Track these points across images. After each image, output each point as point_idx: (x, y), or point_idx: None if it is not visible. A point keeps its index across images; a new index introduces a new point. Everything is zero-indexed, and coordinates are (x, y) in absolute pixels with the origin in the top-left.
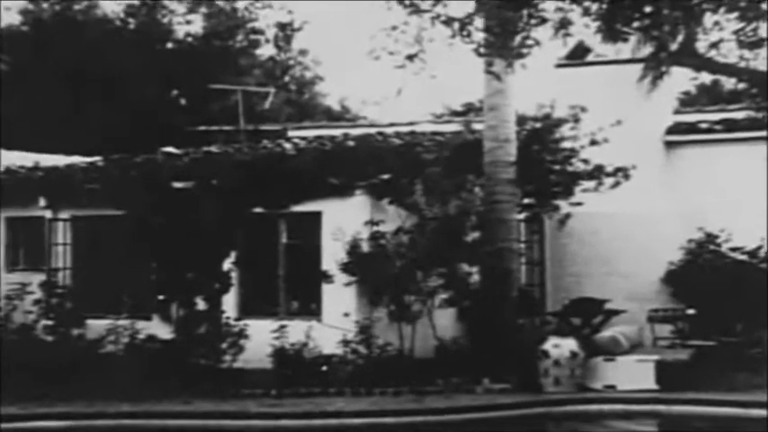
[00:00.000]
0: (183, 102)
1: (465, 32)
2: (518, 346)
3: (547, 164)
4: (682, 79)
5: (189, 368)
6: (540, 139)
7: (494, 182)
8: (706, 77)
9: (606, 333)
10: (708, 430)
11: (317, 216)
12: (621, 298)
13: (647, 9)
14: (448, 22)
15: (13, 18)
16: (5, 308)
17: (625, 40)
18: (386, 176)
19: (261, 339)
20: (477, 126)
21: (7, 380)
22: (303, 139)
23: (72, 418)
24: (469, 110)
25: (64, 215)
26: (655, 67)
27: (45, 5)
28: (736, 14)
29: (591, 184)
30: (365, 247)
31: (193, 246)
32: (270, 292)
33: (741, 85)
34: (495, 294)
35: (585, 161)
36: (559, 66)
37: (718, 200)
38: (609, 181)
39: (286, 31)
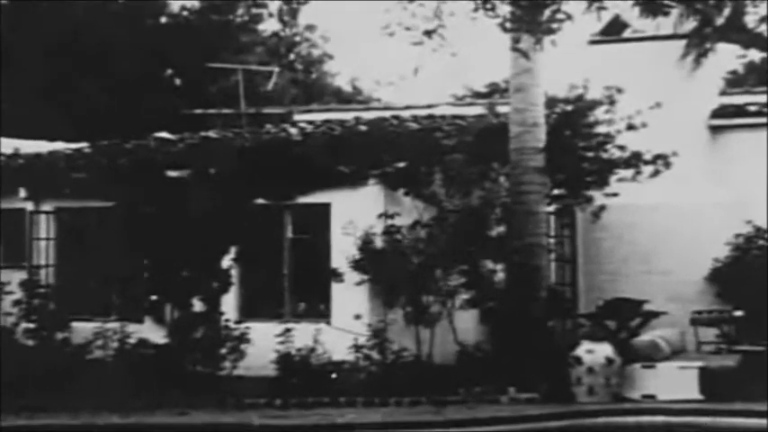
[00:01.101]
0: (177, 82)
1: (489, 6)
2: (547, 352)
3: (579, 151)
4: (728, 57)
5: (185, 376)
6: (572, 123)
7: (521, 170)
8: (755, 55)
9: (645, 337)
10: None
11: (325, 208)
12: (662, 298)
13: None
14: None
15: None
16: None
17: (666, 13)
18: (401, 164)
19: (264, 344)
20: (502, 109)
21: None
22: (310, 123)
23: (55, 431)
24: (494, 91)
25: (47, 207)
26: (698, 43)
27: None
28: None
29: (628, 172)
30: (379, 242)
31: (189, 241)
32: (274, 292)
33: None
34: (521, 294)
35: (622, 147)
36: (593, 42)
37: None
38: (648, 169)
39: (291, 5)
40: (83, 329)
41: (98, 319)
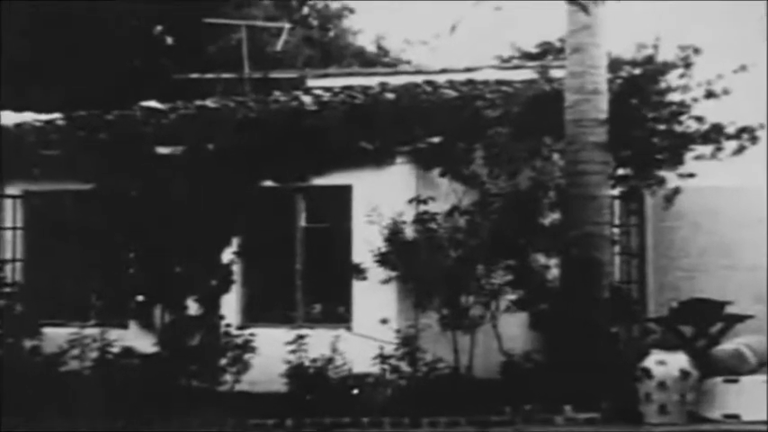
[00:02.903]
0: (169, 41)
1: None
2: (611, 363)
3: (648, 122)
4: None
5: (178, 392)
6: (640, 89)
7: (578, 146)
8: None
9: (727, 346)
10: None
11: (345, 191)
12: (747, 299)
13: None
14: None
15: None
16: None
17: None
18: (436, 139)
19: (272, 354)
20: (556, 73)
21: None
22: (327, 90)
23: None
24: (546, 52)
25: (13, 190)
26: None
27: None
28: None
29: (707, 149)
30: (409, 232)
31: (183, 231)
32: (283, 292)
33: None
34: (579, 294)
35: (700, 119)
36: None
37: None
38: (730, 145)
39: None
40: (56, 336)
41: (74, 323)
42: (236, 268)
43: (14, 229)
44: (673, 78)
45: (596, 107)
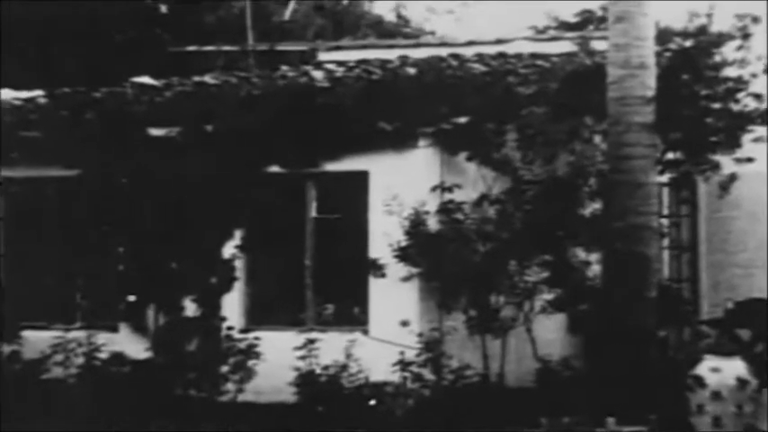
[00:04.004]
0: (163, 9)
1: None
2: (659, 371)
3: (701, 101)
4: None
5: (173, 402)
6: (692, 63)
7: (623, 127)
8: None
9: None
10: None
11: (361, 178)
12: None
13: None
14: None
15: None
16: None
17: None
18: (463, 119)
19: (279, 360)
20: (597, 45)
21: None
22: (341, 64)
23: None
24: (587, 21)
25: None
26: None
27: None
28: None
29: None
30: (432, 223)
31: (179, 222)
32: (292, 291)
33: None
34: (624, 294)
35: (758, 96)
36: None
37: None
38: None
39: None
40: (37, 340)
41: (58, 326)
42: (238, 264)
43: None
44: (729, 51)
45: (643, 83)
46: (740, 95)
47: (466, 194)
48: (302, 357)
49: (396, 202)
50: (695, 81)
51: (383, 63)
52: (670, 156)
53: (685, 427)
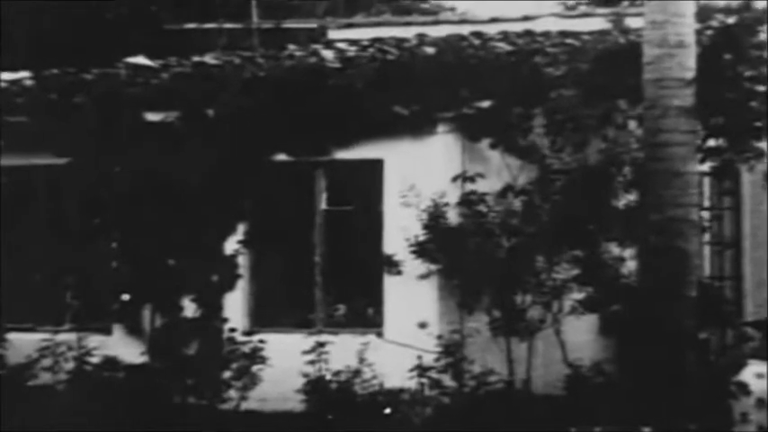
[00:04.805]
0: None
1: None
2: (699, 376)
3: (745, 83)
4: None
5: (171, 410)
6: (735, 42)
7: (660, 111)
8: None
9: None
10: None
11: (375, 167)
12: None
13: None
14: None
15: None
16: None
17: None
18: (486, 103)
19: (286, 365)
20: (633, 22)
21: None
22: (353, 43)
23: None
24: None
25: None
26: None
27: None
28: None
29: None
30: (453, 216)
31: (178, 215)
32: (300, 290)
33: None
34: (661, 293)
35: None
36: None
37: None
38: None
39: None
40: (23, 343)
41: (46, 328)
42: (241, 260)
43: None
44: None
45: (681, 64)
46: None
47: (489, 185)
48: (311, 362)
49: (413, 193)
50: (738, 61)
51: (399, 42)
52: (711, 143)
53: None
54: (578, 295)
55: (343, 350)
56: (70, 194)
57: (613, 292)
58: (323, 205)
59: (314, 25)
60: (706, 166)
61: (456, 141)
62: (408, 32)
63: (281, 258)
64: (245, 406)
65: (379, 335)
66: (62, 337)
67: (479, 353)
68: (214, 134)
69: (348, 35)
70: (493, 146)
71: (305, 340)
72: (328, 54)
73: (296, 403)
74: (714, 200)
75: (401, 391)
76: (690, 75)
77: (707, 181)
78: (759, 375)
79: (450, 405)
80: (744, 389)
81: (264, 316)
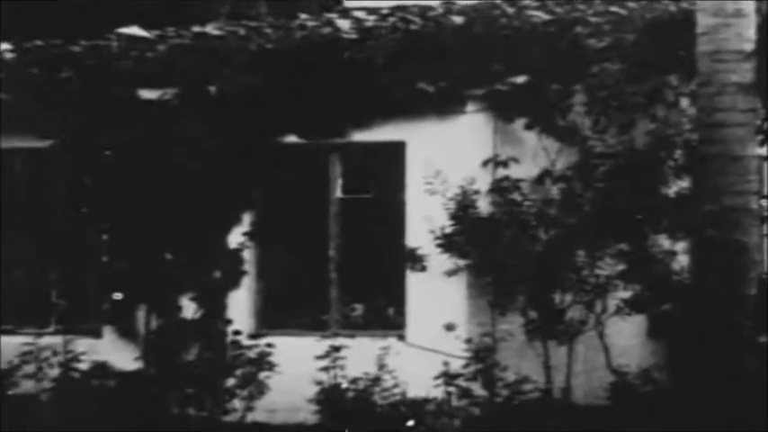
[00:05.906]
0: None
1: None
2: (758, 383)
3: None
4: None
5: (168, 422)
6: None
7: (715, 88)
8: None
9: None
10: None
11: (397, 150)
12: None
13: None
14: None
15: None
16: None
17: None
18: (521, 79)
19: (297, 371)
20: None
21: None
22: (372, 12)
23: None
24: None
25: None
26: None
27: None
28: None
29: None
30: (484, 205)
31: (176, 204)
32: (312, 288)
33: None
34: (717, 291)
35: None
36: None
37: None
38: None
39: None
40: (4, 347)
41: (28, 330)
42: (247, 255)
43: None
44: None
45: (740, 35)
46: None
47: (524, 170)
48: (325, 368)
49: (439, 180)
50: None
51: (423, 10)
52: None
53: None
54: (624, 294)
55: (360, 355)
56: (55, 181)
57: (663, 291)
58: (338, 193)
59: None
60: (766, 150)
61: (487, 122)
62: (433, 1)
63: (291, 253)
64: (251, 417)
65: (401, 338)
66: (46, 340)
67: (513, 358)
68: (216, 114)
69: (366, 3)
70: (528, 126)
71: (318, 344)
72: (344, 24)
73: (308, 414)
74: None
75: (425, 400)
76: (749, 47)
77: (767, 166)
78: None
79: (481, 416)
80: None
81: (273, 317)
